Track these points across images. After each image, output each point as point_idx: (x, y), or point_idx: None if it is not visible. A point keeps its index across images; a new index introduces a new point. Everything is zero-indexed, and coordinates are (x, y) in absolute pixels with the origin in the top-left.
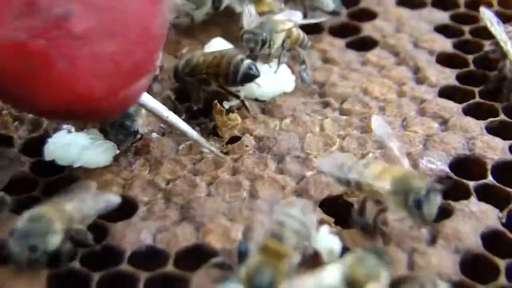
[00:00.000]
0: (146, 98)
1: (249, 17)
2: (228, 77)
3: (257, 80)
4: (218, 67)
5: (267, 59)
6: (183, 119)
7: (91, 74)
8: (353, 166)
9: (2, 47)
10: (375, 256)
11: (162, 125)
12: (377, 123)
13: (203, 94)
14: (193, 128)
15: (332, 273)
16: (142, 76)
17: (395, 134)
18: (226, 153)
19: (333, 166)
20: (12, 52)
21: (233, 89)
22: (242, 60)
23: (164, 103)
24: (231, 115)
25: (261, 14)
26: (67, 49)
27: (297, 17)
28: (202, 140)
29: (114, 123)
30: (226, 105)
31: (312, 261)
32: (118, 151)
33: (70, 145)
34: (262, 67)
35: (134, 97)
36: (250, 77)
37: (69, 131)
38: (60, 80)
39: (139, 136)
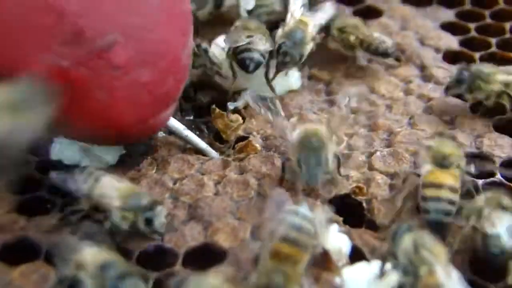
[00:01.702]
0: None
1: None
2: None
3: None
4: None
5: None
6: (191, 119)
7: (126, 102)
8: None
9: (44, 72)
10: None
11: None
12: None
13: None
14: (200, 128)
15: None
16: (170, 105)
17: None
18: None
19: None
20: (54, 77)
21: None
22: (250, 50)
23: None
24: (232, 117)
25: None
26: (107, 79)
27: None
28: (217, 157)
29: None
30: (231, 105)
31: (321, 260)
32: (124, 151)
33: (76, 144)
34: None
35: (160, 125)
36: (244, 65)
37: None
38: (96, 107)
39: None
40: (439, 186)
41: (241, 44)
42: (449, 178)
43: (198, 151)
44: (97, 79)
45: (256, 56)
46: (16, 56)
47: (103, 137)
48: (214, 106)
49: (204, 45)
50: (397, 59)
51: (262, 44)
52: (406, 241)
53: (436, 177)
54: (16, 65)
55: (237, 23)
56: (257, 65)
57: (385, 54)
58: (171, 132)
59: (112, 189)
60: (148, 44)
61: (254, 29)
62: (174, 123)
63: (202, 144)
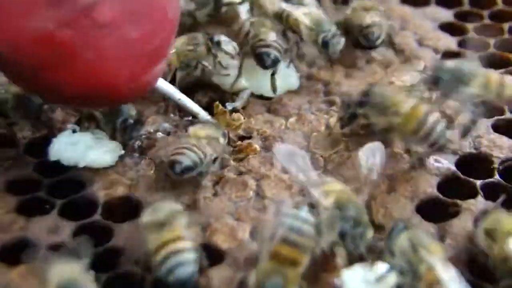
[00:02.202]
0: (159, 82)
1: None
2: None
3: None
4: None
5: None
6: (189, 119)
7: (116, 61)
8: None
9: (29, 39)
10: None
11: (166, 124)
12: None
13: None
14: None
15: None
16: (161, 60)
17: None
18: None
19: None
20: (39, 42)
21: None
22: (269, 46)
23: (166, 104)
24: (235, 115)
25: None
26: (93, 38)
27: None
28: (213, 121)
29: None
30: (229, 106)
31: (321, 260)
32: (123, 151)
33: (74, 145)
34: None
35: (153, 81)
36: (261, 60)
37: (74, 131)
38: (86, 68)
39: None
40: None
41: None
42: None
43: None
44: (83, 39)
45: (274, 53)
46: (0, 25)
47: (95, 99)
48: (217, 102)
49: (217, 37)
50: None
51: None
52: (403, 240)
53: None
54: (1, 35)
55: (253, 19)
56: (274, 62)
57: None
58: (163, 94)
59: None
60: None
61: (271, 27)
62: (165, 85)
63: (194, 107)
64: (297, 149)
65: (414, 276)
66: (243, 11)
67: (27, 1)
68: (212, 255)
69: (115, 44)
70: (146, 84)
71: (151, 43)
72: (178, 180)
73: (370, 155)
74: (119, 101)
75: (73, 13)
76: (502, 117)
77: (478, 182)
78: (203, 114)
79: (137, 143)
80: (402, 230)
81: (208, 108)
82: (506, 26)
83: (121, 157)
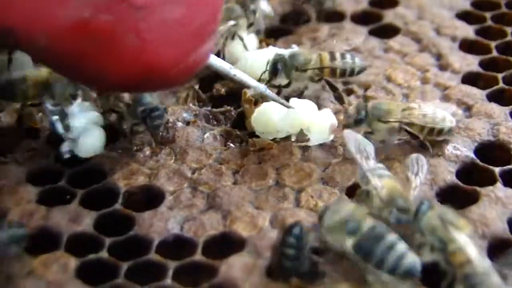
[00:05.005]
0: (211, 58)
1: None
2: None
3: None
4: None
5: None
6: (208, 109)
7: (160, 43)
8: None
9: (66, 28)
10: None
11: (186, 114)
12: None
13: None
14: (217, 117)
15: None
16: (209, 37)
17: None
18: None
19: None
20: (76, 32)
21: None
22: None
23: (186, 93)
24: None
25: None
26: (132, 22)
27: None
28: (272, 94)
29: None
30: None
31: None
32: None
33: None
34: None
35: (202, 61)
36: None
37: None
38: (129, 53)
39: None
40: None
41: None
42: None
43: None
44: (121, 24)
45: None
46: (37, 16)
47: (142, 84)
48: (246, 90)
49: (253, 6)
50: None
51: None
52: (431, 219)
53: None
54: (38, 25)
55: None
56: None
57: None
58: (217, 71)
59: None
60: None
61: None
62: (221, 62)
63: (251, 81)
64: (363, 138)
65: (444, 252)
66: None
67: None
68: (232, 242)
69: (156, 26)
70: (194, 65)
71: (195, 21)
72: (198, 169)
73: (417, 164)
74: (167, 85)
75: None
76: None
77: (497, 169)
78: (260, 87)
79: (164, 132)
80: (428, 209)
81: (227, 97)
82: None
83: (140, 147)
